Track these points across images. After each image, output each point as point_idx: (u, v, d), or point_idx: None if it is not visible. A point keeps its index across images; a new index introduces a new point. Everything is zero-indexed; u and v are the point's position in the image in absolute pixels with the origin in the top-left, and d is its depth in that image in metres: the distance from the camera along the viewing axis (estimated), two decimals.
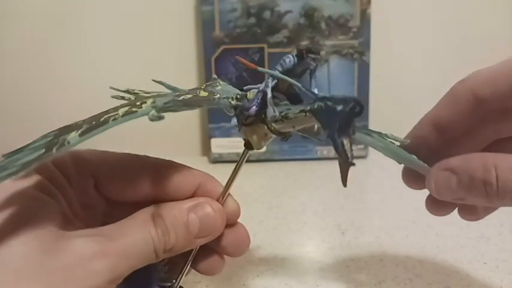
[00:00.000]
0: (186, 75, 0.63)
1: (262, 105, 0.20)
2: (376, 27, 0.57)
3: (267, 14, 0.56)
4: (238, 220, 0.25)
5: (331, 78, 0.58)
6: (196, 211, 0.21)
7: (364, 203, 0.47)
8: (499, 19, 0.62)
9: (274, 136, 0.21)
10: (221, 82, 0.24)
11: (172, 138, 0.65)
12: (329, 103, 0.17)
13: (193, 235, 0.21)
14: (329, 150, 0.59)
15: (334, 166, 0.49)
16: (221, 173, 0.65)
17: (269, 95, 0.20)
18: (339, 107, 0.16)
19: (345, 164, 0.17)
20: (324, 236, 0.39)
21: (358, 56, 0.58)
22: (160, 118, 0.17)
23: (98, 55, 0.63)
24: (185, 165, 0.23)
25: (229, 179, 0.23)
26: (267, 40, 0.57)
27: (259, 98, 0.20)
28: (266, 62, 0.57)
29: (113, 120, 0.17)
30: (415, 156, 0.25)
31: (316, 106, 0.18)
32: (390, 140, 0.25)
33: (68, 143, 0.16)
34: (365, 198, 0.48)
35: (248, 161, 0.54)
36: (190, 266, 0.24)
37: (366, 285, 0.31)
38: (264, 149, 0.59)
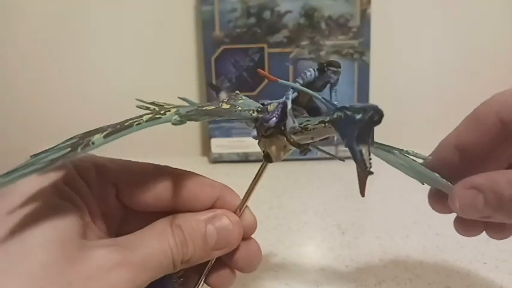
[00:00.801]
0: (186, 75, 0.64)
1: (282, 117, 0.20)
2: (376, 27, 0.57)
3: (267, 14, 0.56)
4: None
5: None
6: (214, 223, 0.21)
7: (365, 203, 0.47)
8: (499, 19, 0.62)
9: (293, 148, 0.21)
10: (243, 97, 0.24)
11: (173, 138, 0.65)
12: (348, 112, 0.17)
13: (210, 247, 0.21)
14: (329, 150, 0.59)
15: (334, 166, 0.49)
16: (221, 173, 0.65)
17: (289, 106, 0.20)
18: (358, 116, 0.17)
19: (364, 173, 0.17)
20: (324, 236, 0.39)
21: (358, 56, 0.58)
22: (182, 122, 0.17)
23: (99, 55, 0.63)
24: (205, 177, 0.23)
25: (247, 191, 0.23)
26: (267, 40, 0.57)
27: (279, 109, 0.20)
28: (266, 62, 0.57)
29: (137, 124, 0.18)
30: (437, 175, 0.25)
31: (335, 116, 0.18)
32: (412, 158, 0.25)
33: (93, 143, 0.17)
34: (365, 199, 0.48)
35: (248, 161, 0.54)
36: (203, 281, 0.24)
37: (366, 285, 0.31)
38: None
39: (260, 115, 0.21)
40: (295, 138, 0.21)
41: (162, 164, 0.24)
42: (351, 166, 0.62)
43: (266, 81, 0.56)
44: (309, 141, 0.21)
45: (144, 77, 0.63)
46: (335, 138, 0.20)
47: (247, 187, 0.24)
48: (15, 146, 0.62)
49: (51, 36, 0.63)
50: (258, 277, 0.33)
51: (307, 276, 0.33)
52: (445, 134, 0.32)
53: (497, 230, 0.27)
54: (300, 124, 0.20)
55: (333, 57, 0.58)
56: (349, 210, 0.44)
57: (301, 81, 0.21)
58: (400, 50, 0.63)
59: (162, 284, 0.21)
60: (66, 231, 0.18)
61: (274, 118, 0.20)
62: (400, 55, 0.63)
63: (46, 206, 0.18)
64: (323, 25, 0.57)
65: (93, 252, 0.18)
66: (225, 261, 0.24)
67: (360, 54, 0.57)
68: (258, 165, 0.24)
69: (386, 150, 0.25)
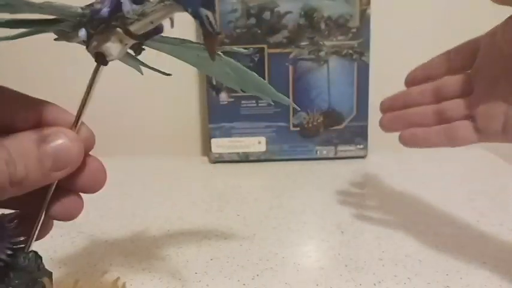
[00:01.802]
0: (185, 75, 0.64)
1: (116, 5, 0.18)
2: (375, 27, 0.58)
3: (267, 15, 0.57)
4: None
5: (330, 79, 0.58)
6: (49, 142, 0.19)
7: (364, 203, 0.47)
8: (501, 20, 0.62)
9: (130, 43, 0.20)
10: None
11: (173, 138, 0.65)
12: None
13: (47, 168, 0.19)
14: (329, 151, 0.60)
15: (334, 166, 0.49)
16: (221, 173, 0.65)
17: None
18: None
19: (211, 37, 0.17)
20: (324, 235, 0.39)
21: (358, 57, 0.58)
22: None
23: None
24: (27, 95, 0.21)
25: (81, 103, 0.21)
26: (267, 41, 0.57)
27: None
28: (266, 63, 0.58)
29: None
30: (257, 76, 0.24)
31: None
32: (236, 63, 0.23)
33: None
34: (364, 198, 0.48)
35: (248, 161, 0.54)
36: (46, 215, 0.21)
37: (365, 285, 0.32)
38: (263, 147, 0.59)
39: (87, 11, 0.19)
40: (132, 28, 0.19)
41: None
42: (351, 166, 0.62)
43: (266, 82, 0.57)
44: (148, 28, 0.19)
45: (144, 76, 0.63)
46: (173, 17, 0.18)
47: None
48: None
49: (50, 36, 0.63)
50: (258, 276, 0.33)
51: (306, 276, 0.33)
52: None
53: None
54: (137, 10, 0.18)
55: (333, 58, 0.58)
56: (349, 210, 0.44)
57: None
58: (400, 50, 0.63)
59: None
60: None
61: (107, 8, 0.18)
62: (400, 55, 0.63)
63: None
64: (323, 25, 0.57)
65: None
66: (68, 187, 0.21)
67: (360, 54, 0.58)
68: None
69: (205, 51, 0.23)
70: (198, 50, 0.23)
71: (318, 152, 0.60)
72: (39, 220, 0.21)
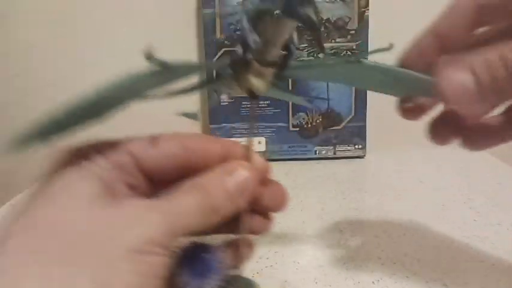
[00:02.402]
0: None
1: (244, 40, 0.20)
2: (374, 29, 0.58)
3: None
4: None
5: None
6: (231, 173, 0.23)
7: (363, 202, 0.47)
8: None
9: (270, 73, 0.21)
10: None
11: None
12: None
13: (234, 196, 0.23)
14: (328, 151, 0.60)
15: (334, 166, 0.50)
16: None
17: (245, 24, 0.20)
18: None
19: (316, 31, 0.18)
20: (323, 234, 0.40)
21: None
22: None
23: (98, 57, 0.64)
24: (209, 136, 0.26)
25: (249, 138, 0.25)
26: None
27: (241, 35, 0.20)
28: None
29: None
30: (414, 72, 0.24)
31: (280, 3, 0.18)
32: (380, 64, 0.24)
33: None
34: (363, 198, 0.49)
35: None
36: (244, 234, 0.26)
37: (363, 283, 0.32)
38: (263, 147, 0.59)
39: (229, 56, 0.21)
40: (262, 56, 0.20)
41: None
42: (350, 165, 0.62)
43: None
44: (276, 51, 0.20)
45: None
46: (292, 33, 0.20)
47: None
48: None
49: (48, 37, 0.63)
50: (258, 274, 0.33)
51: (305, 274, 0.33)
52: None
53: (472, 140, 0.28)
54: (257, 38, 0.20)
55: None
56: (347, 209, 0.45)
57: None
58: (398, 51, 0.64)
59: (205, 253, 0.23)
60: (96, 189, 0.20)
61: (239, 47, 0.20)
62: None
63: (73, 175, 0.20)
64: (321, 27, 0.57)
65: (125, 200, 0.20)
66: (257, 210, 0.26)
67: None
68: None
69: (349, 62, 0.24)
70: (342, 64, 0.24)
71: (317, 152, 0.60)
72: (242, 239, 0.25)
